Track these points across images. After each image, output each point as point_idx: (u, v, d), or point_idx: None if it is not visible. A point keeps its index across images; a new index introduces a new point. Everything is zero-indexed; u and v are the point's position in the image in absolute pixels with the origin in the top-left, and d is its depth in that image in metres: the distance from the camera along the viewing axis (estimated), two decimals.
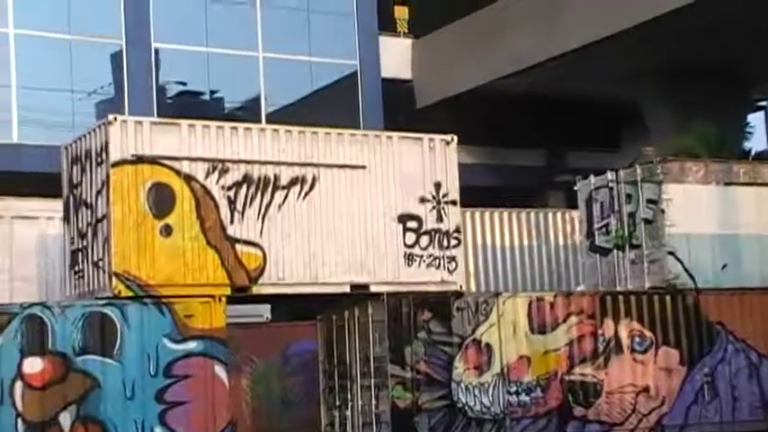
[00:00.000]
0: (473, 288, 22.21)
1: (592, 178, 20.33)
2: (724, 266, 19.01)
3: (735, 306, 18.98)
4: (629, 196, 19.43)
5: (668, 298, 18.52)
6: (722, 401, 18.51)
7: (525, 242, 23.96)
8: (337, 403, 17.27)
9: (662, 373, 18.19)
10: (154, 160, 14.65)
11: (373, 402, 16.42)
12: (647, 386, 18.02)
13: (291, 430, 20.46)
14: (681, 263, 18.68)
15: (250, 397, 21.38)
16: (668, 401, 18.12)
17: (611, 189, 19.75)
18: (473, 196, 25.70)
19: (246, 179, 15.31)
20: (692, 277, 18.72)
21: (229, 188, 15.16)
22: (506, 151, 34.84)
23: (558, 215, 24.14)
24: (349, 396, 16.98)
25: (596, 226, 20.06)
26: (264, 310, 22.66)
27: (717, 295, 18.85)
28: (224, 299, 14.91)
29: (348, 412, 16.97)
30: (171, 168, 14.75)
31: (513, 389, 17.02)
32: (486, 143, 32.79)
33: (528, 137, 33.90)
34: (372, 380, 16.46)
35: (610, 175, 19.87)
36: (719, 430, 18.34)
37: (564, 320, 17.64)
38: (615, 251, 19.59)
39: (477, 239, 23.49)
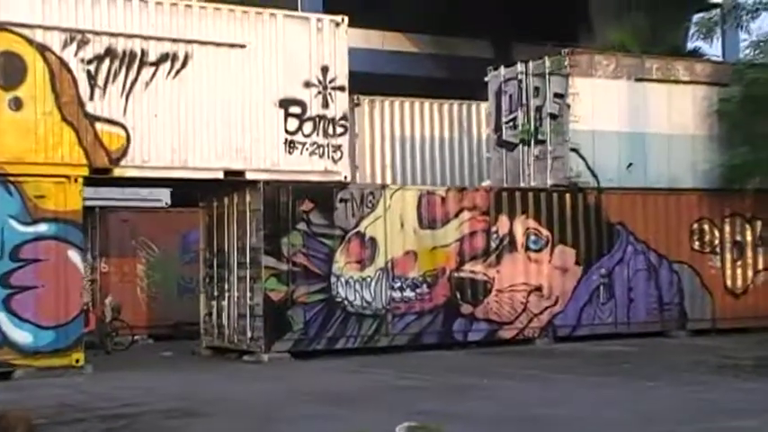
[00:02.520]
0: (389, 181, 21.51)
1: (502, 69, 19.44)
2: (629, 166, 18.31)
3: (638, 206, 18.38)
4: (537, 89, 18.58)
5: (568, 196, 17.88)
6: (618, 302, 18.06)
7: (446, 134, 23.03)
8: (215, 293, 16.68)
9: (557, 272, 17.66)
10: (2, 27, 13.58)
11: (248, 294, 15.82)
12: (541, 285, 17.51)
13: (186, 318, 19.97)
14: (584, 160, 17.96)
15: (146, 284, 20.84)
16: (562, 301, 17.63)
17: (520, 81, 18.89)
18: (417, 87, 24.75)
19: (109, 53, 14.31)
20: (594, 175, 18.03)
21: (89, 62, 14.17)
22: (454, 41, 33.53)
23: (483, 107, 23.15)
24: (226, 286, 16.37)
25: (504, 119, 19.28)
26: (164, 195, 21.93)
27: (620, 195, 18.23)
28: (80, 180, 14.05)
29: (225, 303, 16.40)
30: (22, 36, 13.69)
31: (398, 284, 16.44)
32: (433, 32, 31.57)
33: (476, 27, 32.55)
34: (248, 271, 15.83)
35: (519, 67, 18.98)
36: (613, 331, 17.92)
37: (455, 216, 16.99)
38: (521, 146, 18.85)
39: (395, 130, 22.59)
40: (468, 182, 21.66)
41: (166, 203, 21.94)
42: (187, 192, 20.36)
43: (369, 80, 26.55)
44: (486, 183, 19.81)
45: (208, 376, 13.84)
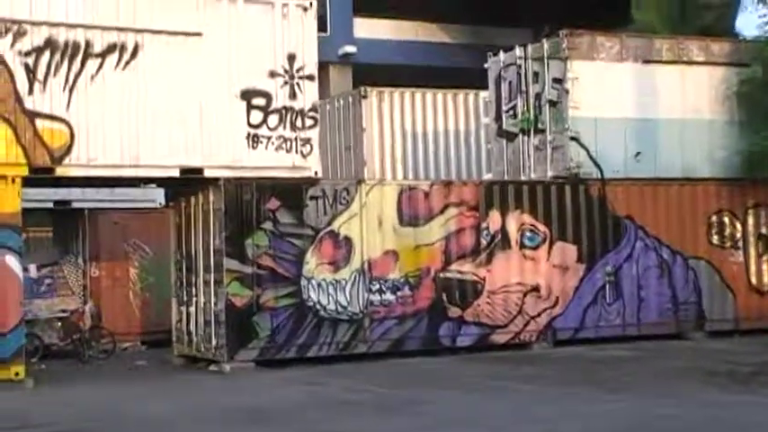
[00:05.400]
0: (399, 176, 20.39)
1: (501, 55, 18.10)
2: (637, 155, 16.81)
3: (647, 199, 16.87)
4: (536, 75, 17.21)
5: (568, 189, 16.46)
6: (626, 302, 16.57)
7: (462, 126, 21.79)
8: (185, 298, 15.74)
9: (556, 270, 16.25)
10: None
11: (213, 299, 14.82)
12: (538, 285, 16.14)
13: None
14: (585, 149, 16.53)
15: (139, 288, 20.02)
16: (562, 302, 16.22)
17: (519, 67, 17.53)
18: (454, 78, 23.53)
19: (50, 44, 13.43)
20: (597, 166, 16.59)
21: (28, 54, 13.32)
22: (491, 30, 32.12)
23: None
24: (194, 291, 15.41)
25: (504, 108, 17.94)
26: (157, 195, 21.05)
27: (627, 186, 16.75)
28: (19, 180, 13.22)
29: (193, 309, 15.44)
30: None
31: (376, 287, 15.25)
32: (470, 21, 30.24)
33: (516, 14, 31.08)
34: (212, 275, 14.84)
35: (518, 52, 17.62)
36: (622, 333, 16.45)
37: (441, 212, 15.73)
38: (521, 136, 17.50)
39: (405, 123, 21.43)
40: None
41: (160, 204, 21.07)
42: None
43: (402, 71, 25.45)
44: (487, 176, 18.53)
45: (148, 390, 12.87)
